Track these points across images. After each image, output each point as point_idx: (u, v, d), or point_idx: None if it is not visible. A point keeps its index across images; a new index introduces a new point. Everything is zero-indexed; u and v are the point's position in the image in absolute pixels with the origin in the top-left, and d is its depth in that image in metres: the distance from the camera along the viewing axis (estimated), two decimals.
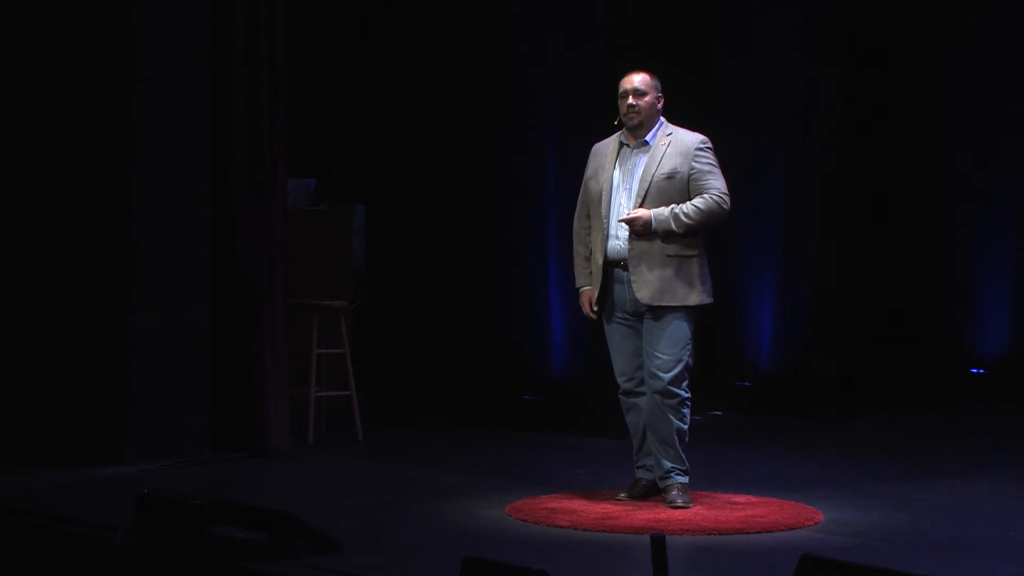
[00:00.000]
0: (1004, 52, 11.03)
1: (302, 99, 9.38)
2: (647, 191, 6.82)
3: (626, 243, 6.83)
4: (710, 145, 6.94)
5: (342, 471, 8.23)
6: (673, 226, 6.76)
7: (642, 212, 6.78)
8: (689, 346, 6.85)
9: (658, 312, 6.81)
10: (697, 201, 6.80)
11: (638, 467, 7.06)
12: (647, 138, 6.93)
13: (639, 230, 6.77)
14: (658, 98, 6.95)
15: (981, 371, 11.22)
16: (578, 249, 7.09)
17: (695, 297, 6.85)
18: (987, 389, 11.06)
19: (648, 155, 6.90)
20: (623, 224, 6.83)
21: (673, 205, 6.79)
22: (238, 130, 8.32)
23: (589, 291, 7.01)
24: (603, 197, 6.92)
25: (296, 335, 8.78)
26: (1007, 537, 6.34)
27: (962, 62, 11.17)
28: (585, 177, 7.09)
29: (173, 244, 8.08)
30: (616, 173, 6.94)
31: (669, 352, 6.80)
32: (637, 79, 6.93)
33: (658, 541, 4.48)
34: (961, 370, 11.23)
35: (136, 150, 7.98)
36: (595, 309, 6.98)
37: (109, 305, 7.96)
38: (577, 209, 7.12)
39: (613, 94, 7.06)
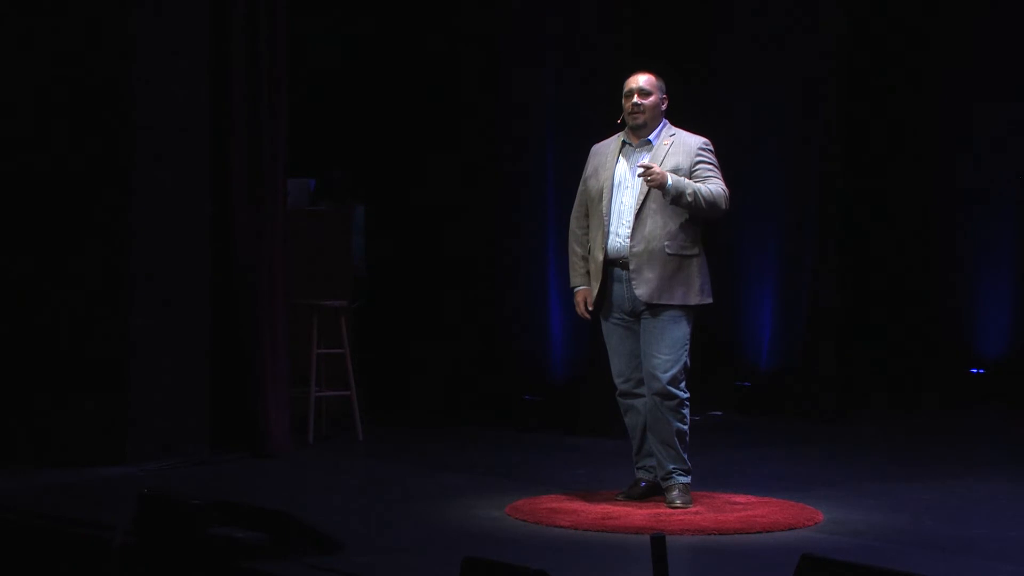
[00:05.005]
0: (1004, 52, 11.03)
1: (302, 99, 9.38)
2: (650, 189, 6.81)
3: (628, 241, 6.82)
4: (712, 148, 6.94)
5: (342, 471, 8.23)
6: (686, 193, 6.71)
7: (659, 168, 6.75)
8: (687, 347, 6.84)
9: (657, 311, 6.81)
10: (710, 186, 6.79)
11: (638, 468, 7.05)
12: (650, 137, 6.93)
13: (654, 182, 6.71)
14: (662, 99, 6.94)
15: (981, 371, 11.22)
16: (574, 248, 7.07)
17: (694, 297, 6.85)
18: (987, 389, 11.07)
19: (651, 154, 6.90)
20: (624, 222, 6.82)
21: (686, 179, 6.77)
22: (238, 130, 8.33)
23: (585, 290, 7.00)
24: (604, 195, 6.91)
25: (296, 335, 8.78)
26: (1007, 537, 6.34)
27: (962, 62, 11.18)
28: (584, 176, 7.08)
29: (173, 244, 8.09)
30: (618, 171, 6.93)
31: (668, 353, 6.79)
32: (643, 79, 6.93)
33: (658, 541, 4.47)
34: (961, 370, 11.24)
35: (136, 150, 7.98)
36: (590, 309, 6.97)
37: (109, 305, 7.97)
38: (574, 208, 7.11)
39: (613, 96, 7.06)
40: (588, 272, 6.99)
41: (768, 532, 6.37)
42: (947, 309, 11.36)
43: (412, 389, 10.34)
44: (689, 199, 6.73)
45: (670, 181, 6.72)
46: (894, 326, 11.46)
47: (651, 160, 6.86)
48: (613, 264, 6.89)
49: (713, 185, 6.81)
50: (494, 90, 10.03)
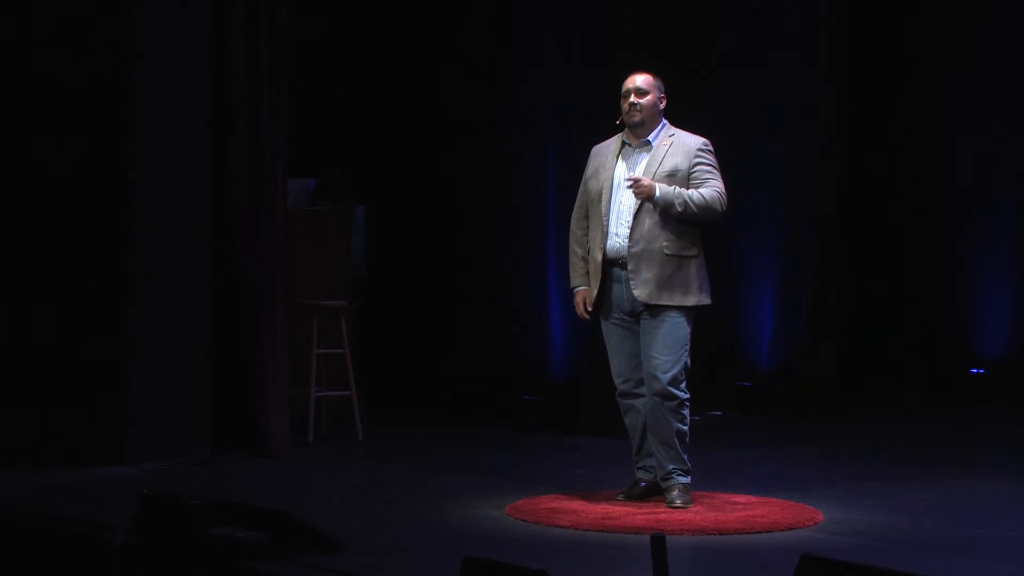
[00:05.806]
0: (1003, 54, 11.03)
1: (302, 99, 9.38)
2: None
3: (626, 241, 6.82)
4: (711, 148, 6.94)
5: (342, 471, 8.23)
6: (675, 203, 6.72)
7: (648, 180, 6.76)
8: (687, 347, 6.83)
9: (656, 311, 6.81)
10: (702, 191, 6.79)
11: (638, 468, 7.05)
12: (649, 138, 6.93)
13: (642, 194, 6.72)
14: (660, 98, 6.95)
15: (981, 371, 11.22)
16: (574, 249, 7.08)
17: (693, 298, 6.85)
18: (987, 389, 11.07)
19: (650, 154, 6.90)
20: (623, 222, 6.83)
21: (676, 187, 6.78)
22: (238, 130, 8.33)
23: (584, 291, 7.01)
24: (604, 195, 6.91)
25: (296, 335, 8.78)
26: (1007, 537, 6.34)
27: (961, 64, 11.18)
28: (585, 177, 7.09)
29: (173, 244, 8.09)
30: (618, 172, 6.94)
31: (667, 353, 6.79)
32: (640, 79, 6.94)
33: (658, 541, 4.48)
34: (961, 370, 11.24)
35: (136, 150, 7.98)
36: (589, 310, 6.98)
37: (109, 305, 7.97)
38: (575, 209, 7.11)
39: (613, 96, 7.06)
40: (588, 272, 6.99)
41: (768, 532, 6.37)
42: (947, 309, 11.35)
43: (412, 389, 10.34)
44: (679, 209, 6.74)
45: (658, 193, 6.73)
46: (894, 326, 11.45)
47: (650, 160, 6.87)
48: (612, 264, 6.89)
49: (707, 189, 6.80)
50: (494, 90, 10.03)
